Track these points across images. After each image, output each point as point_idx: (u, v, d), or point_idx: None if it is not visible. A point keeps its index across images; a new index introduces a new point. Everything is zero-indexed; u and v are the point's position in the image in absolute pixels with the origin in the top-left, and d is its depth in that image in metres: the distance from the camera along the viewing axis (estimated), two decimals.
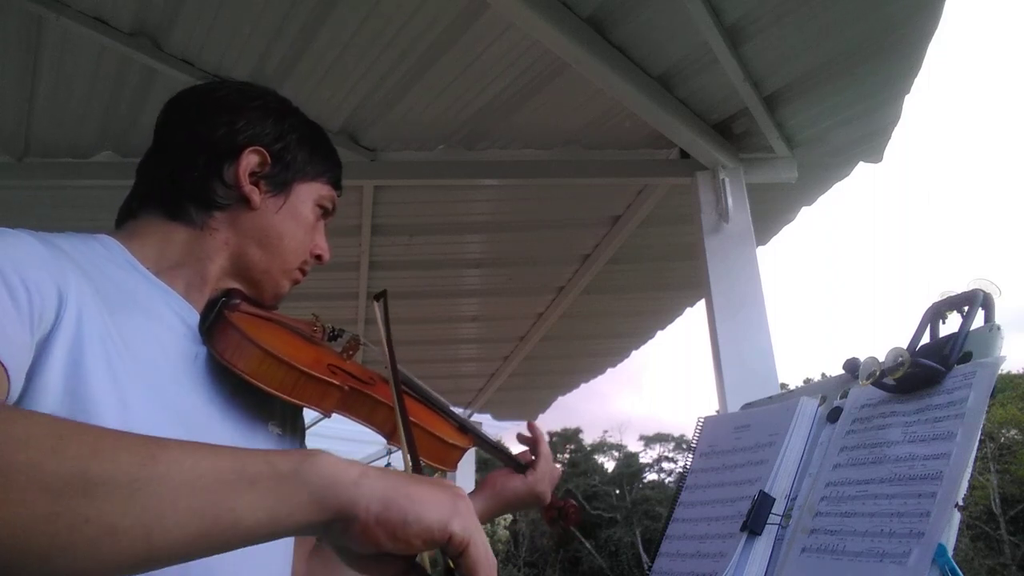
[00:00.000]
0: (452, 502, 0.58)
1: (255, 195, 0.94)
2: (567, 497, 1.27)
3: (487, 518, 1.19)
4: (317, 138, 1.03)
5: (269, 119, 0.97)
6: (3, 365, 0.64)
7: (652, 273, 3.77)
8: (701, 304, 2.71)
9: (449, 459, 1.07)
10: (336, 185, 1.05)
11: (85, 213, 2.88)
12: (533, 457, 1.22)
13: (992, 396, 0.83)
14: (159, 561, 0.49)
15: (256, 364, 0.85)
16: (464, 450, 1.08)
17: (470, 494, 1.18)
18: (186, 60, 2.31)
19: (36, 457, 0.46)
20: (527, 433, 1.25)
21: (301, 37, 2.20)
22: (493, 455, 1.22)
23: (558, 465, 1.25)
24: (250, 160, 0.94)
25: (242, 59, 2.31)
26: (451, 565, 0.59)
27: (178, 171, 0.93)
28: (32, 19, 2.14)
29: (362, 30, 2.17)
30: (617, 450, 34.06)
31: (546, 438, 1.24)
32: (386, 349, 0.94)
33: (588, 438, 34.57)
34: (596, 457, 33.87)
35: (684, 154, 2.63)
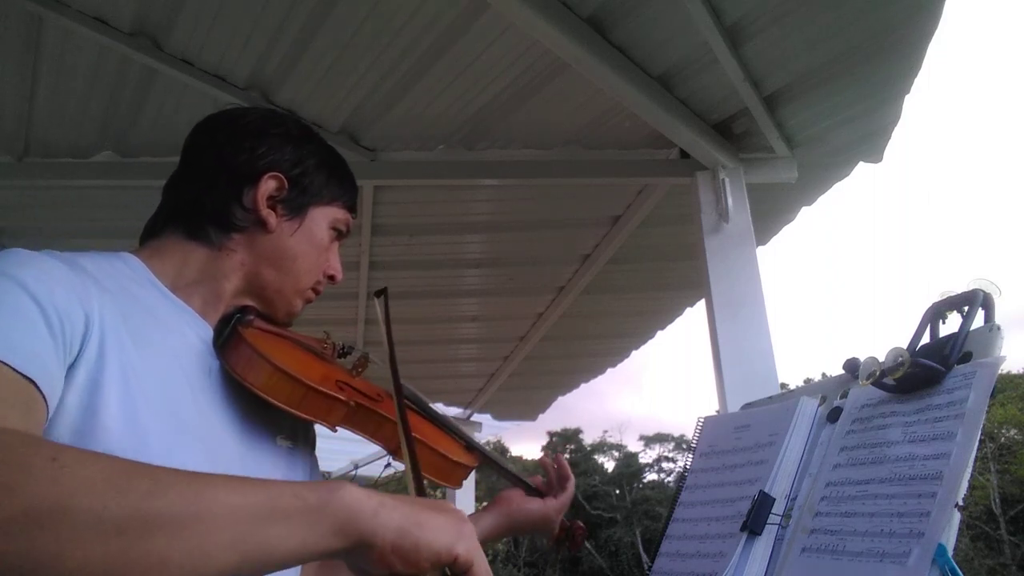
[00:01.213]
0: (457, 527, 0.65)
1: (272, 219, 0.97)
2: (575, 519, 1.27)
3: (497, 536, 1.19)
4: (334, 163, 1.06)
5: (289, 145, 1.00)
6: (43, 396, 0.67)
7: (652, 273, 3.77)
8: (701, 304, 2.71)
9: (454, 477, 1.07)
10: (351, 208, 1.08)
11: (85, 213, 2.89)
12: (558, 485, 1.22)
13: (992, 396, 0.84)
14: None
15: (266, 379, 0.88)
16: (470, 469, 1.09)
17: (483, 510, 1.17)
18: (186, 60, 2.31)
19: (102, 500, 0.51)
20: (554, 463, 1.25)
21: (301, 37, 2.20)
22: (502, 475, 1.22)
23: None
24: (268, 185, 0.97)
25: (242, 59, 2.31)
26: None
27: (201, 193, 0.97)
28: (32, 19, 2.14)
29: (362, 30, 2.17)
30: (617, 450, 34.08)
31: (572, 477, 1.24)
32: (386, 346, 0.95)
33: (588, 438, 34.60)
34: (596, 457, 33.87)
35: (684, 154, 2.63)
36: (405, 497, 0.66)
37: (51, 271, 0.75)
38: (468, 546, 0.64)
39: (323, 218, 1.02)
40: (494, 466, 1.17)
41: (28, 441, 0.56)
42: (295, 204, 0.99)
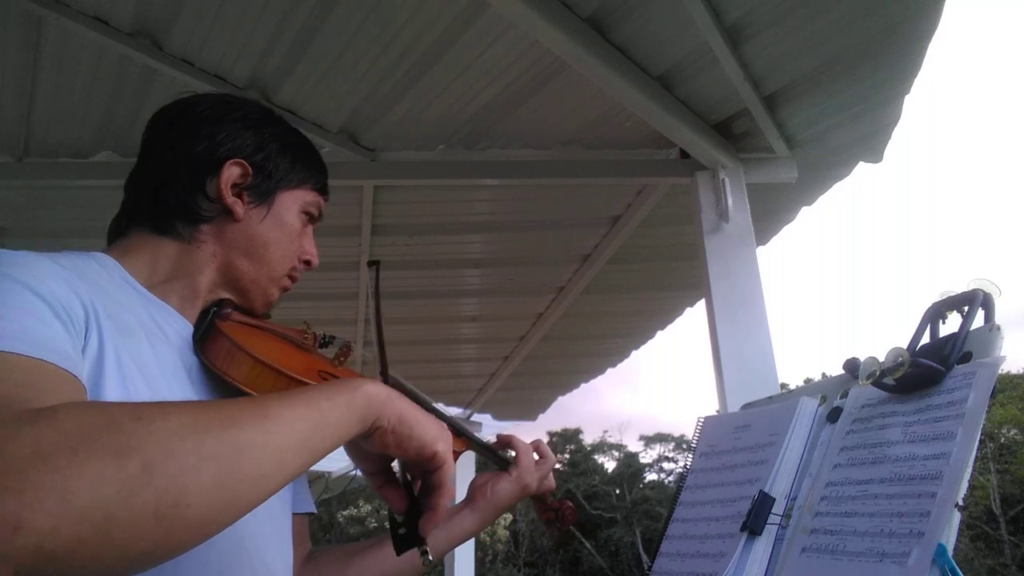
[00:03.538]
0: (443, 432, 0.79)
1: (238, 207, 0.95)
2: (564, 498, 1.28)
3: (484, 526, 1.18)
4: (299, 146, 1.04)
5: (249, 130, 0.98)
6: (81, 383, 0.68)
7: (652, 273, 3.77)
8: (701, 304, 2.71)
9: None
10: (322, 191, 1.06)
11: (85, 213, 2.89)
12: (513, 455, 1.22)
13: (992, 396, 0.83)
14: (284, 484, 0.64)
15: (247, 371, 0.86)
16: (456, 454, 1.09)
17: (461, 505, 1.16)
18: (186, 60, 2.31)
19: (195, 441, 0.57)
20: (502, 440, 1.25)
21: (301, 37, 2.20)
22: (485, 456, 1.22)
23: (555, 459, 1.25)
24: (231, 172, 0.95)
25: (242, 59, 2.31)
26: (407, 477, 0.81)
27: (162, 187, 0.95)
28: (32, 19, 2.14)
29: (362, 30, 2.17)
30: (617, 450, 34.09)
31: (520, 439, 1.23)
32: (373, 320, 0.95)
33: (588, 438, 34.61)
34: (596, 457, 33.88)
35: (684, 154, 2.63)
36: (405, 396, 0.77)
37: (42, 268, 0.74)
38: (446, 448, 0.78)
39: (292, 202, 1.01)
40: (478, 447, 1.18)
41: (104, 409, 0.58)
42: (261, 190, 0.97)
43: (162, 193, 0.94)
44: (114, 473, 0.51)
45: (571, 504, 1.27)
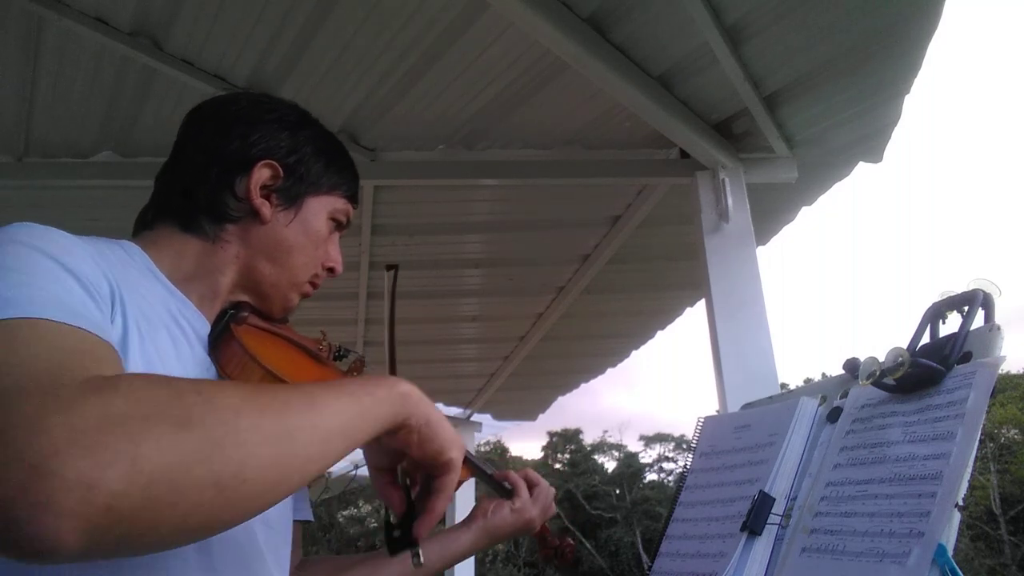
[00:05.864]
0: (460, 440, 0.79)
1: (265, 209, 0.94)
2: (564, 536, 1.28)
3: (480, 548, 1.19)
4: (333, 151, 1.03)
5: (284, 132, 0.97)
6: (117, 354, 0.67)
7: (652, 273, 3.77)
8: (701, 304, 2.71)
9: None
10: (352, 198, 1.05)
11: (85, 213, 2.88)
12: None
13: (992, 396, 0.84)
14: (324, 469, 0.65)
15: (257, 382, 0.85)
16: (460, 483, 1.08)
17: (461, 524, 1.17)
18: (186, 60, 2.31)
19: (255, 420, 0.58)
20: (505, 481, 1.24)
21: (301, 37, 2.20)
22: (486, 483, 1.22)
23: (549, 488, 1.25)
24: (262, 174, 0.94)
25: (242, 59, 2.31)
26: (407, 481, 0.81)
27: (192, 183, 0.94)
28: (32, 19, 2.14)
29: (362, 30, 2.17)
30: (617, 450, 34.07)
31: (523, 475, 1.23)
32: (387, 322, 0.94)
33: (588, 438, 34.60)
34: (596, 457, 33.85)
35: (684, 154, 2.63)
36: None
37: (68, 244, 0.74)
38: (458, 455, 0.78)
39: (321, 208, 0.99)
40: (481, 475, 1.17)
41: (169, 382, 0.59)
42: (290, 193, 0.96)
43: (191, 189, 0.94)
44: (182, 443, 0.53)
45: (571, 542, 1.28)
